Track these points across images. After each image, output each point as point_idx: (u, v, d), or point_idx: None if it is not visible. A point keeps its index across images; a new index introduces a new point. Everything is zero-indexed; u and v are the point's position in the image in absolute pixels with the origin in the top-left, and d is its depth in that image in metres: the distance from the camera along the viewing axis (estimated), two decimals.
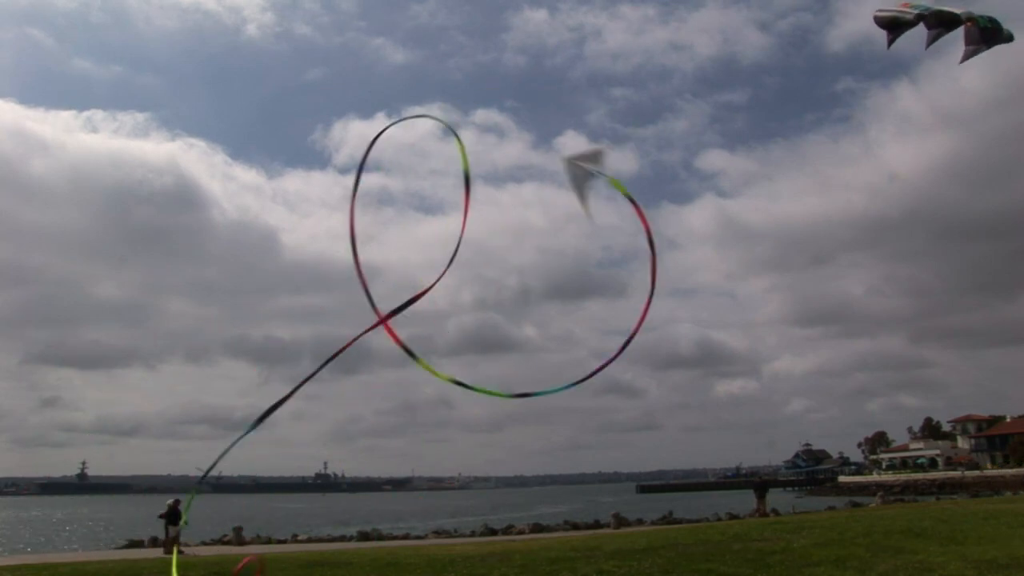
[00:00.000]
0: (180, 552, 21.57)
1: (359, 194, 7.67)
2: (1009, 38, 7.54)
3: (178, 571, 12.46)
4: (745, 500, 50.76)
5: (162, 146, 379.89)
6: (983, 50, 7.49)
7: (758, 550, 14.17)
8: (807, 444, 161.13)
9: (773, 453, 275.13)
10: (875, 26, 7.99)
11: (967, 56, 7.54)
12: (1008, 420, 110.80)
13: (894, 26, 7.88)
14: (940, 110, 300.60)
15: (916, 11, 7.65)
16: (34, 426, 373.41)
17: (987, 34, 7.41)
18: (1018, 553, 11.97)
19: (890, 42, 7.93)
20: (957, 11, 7.53)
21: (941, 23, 7.55)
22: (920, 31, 7.76)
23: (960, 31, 7.52)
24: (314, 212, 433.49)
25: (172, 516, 23.18)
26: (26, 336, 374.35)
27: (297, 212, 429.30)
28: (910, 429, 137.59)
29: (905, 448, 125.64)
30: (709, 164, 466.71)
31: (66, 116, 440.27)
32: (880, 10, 8.08)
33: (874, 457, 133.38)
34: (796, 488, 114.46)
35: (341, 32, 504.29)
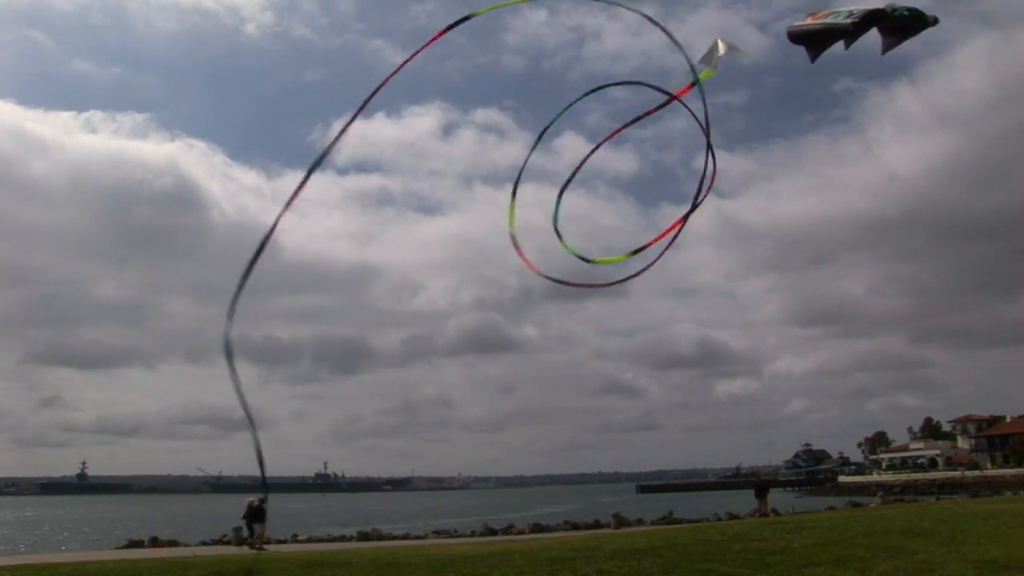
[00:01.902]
0: (262, 549, 22.33)
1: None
2: (934, 22, 7.43)
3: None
4: (745, 500, 50.74)
5: (162, 147, 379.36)
6: (908, 38, 7.39)
7: (758, 550, 14.17)
8: (807, 444, 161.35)
9: (773, 453, 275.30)
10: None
11: (888, 47, 7.44)
12: (1008, 420, 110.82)
13: (818, 39, 7.66)
14: (939, 110, 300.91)
15: (841, 18, 7.44)
16: (34, 426, 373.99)
17: (905, 22, 7.29)
18: (1018, 553, 11.97)
19: (814, 57, 7.70)
20: (881, 5, 7.37)
21: (865, 25, 7.41)
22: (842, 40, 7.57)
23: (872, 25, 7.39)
24: (313, 212, 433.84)
25: (257, 515, 23.71)
26: (26, 336, 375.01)
27: (297, 212, 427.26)
28: (910, 429, 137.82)
29: (905, 448, 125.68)
30: None
31: (65, 117, 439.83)
32: (796, 25, 7.83)
33: (874, 457, 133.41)
34: (796, 488, 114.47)
35: (340, 34, 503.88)
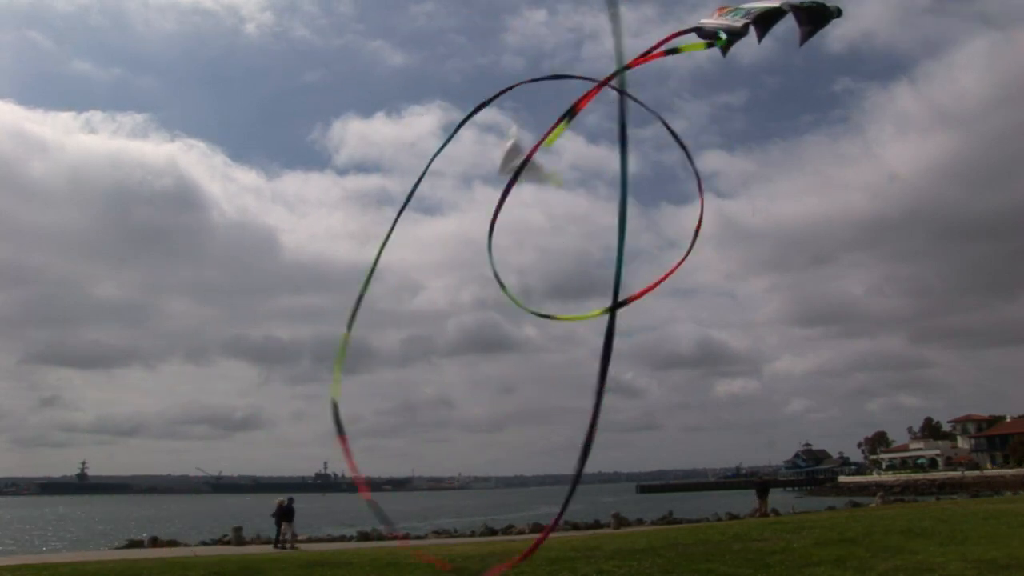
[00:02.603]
0: (294, 547, 22.67)
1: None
2: (838, 13, 7.48)
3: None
4: (745, 500, 50.74)
5: (162, 147, 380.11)
6: (817, 30, 7.44)
7: (758, 550, 14.17)
8: (807, 444, 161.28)
9: (773, 453, 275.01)
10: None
11: (805, 38, 7.51)
12: (1008, 420, 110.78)
13: (725, 37, 7.65)
14: (939, 110, 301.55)
15: (739, 16, 7.45)
16: (34, 426, 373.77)
17: (813, 15, 7.33)
18: (1018, 553, 11.97)
19: (724, 52, 7.69)
20: (776, 3, 7.39)
21: (767, 21, 7.43)
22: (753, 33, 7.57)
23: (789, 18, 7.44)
24: (312, 212, 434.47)
25: (286, 513, 24.06)
26: (26, 336, 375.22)
27: (296, 213, 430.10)
28: (910, 429, 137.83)
29: (905, 448, 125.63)
30: (708, 165, 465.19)
31: (65, 117, 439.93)
32: (704, 21, 7.81)
33: (874, 457, 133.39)
34: (796, 488, 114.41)
35: (340, 34, 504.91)
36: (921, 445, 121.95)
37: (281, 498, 25.44)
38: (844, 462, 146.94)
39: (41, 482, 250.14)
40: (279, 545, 23.99)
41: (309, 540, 30.29)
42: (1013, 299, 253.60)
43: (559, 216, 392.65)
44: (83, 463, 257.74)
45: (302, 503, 30.02)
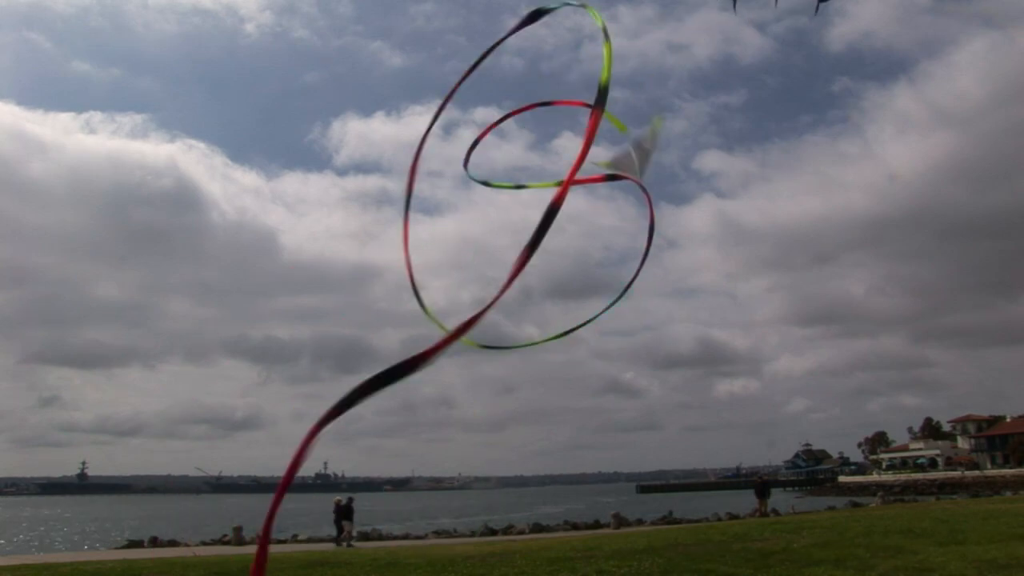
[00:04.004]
0: (350, 546, 22.95)
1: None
2: None
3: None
4: (745, 500, 50.73)
5: (161, 147, 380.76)
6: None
7: (758, 550, 14.17)
8: (807, 444, 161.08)
9: (773, 453, 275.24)
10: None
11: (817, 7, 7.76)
12: (1008, 420, 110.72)
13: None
14: (939, 110, 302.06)
15: None
16: (34, 426, 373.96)
17: None
18: (1018, 553, 11.96)
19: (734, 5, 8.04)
20: None
21: None
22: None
23: None
24: (312, 213, 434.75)
25: (345, 512, 24.39)
26: (26, 336, 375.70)
27: (296, 213, 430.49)
28: (910, 429, 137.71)
29: (905, 448, 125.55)
30: (707, 165, 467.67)
31: (65, 118, 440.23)
32: None
33: (874, 457, 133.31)
34: (796, 488, 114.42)
35: (339, 35, 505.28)
36: (921, 445, 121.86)
37: (339, 497, 25.77)
38: (844, 462, 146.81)
39: (41, 482, 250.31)
40: (340, 543, 24.26)
41: (309, 540, 30.31)
42: (1014, 299, 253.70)
43: (559, 216, 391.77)
44: (83, 463, 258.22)
45: (302, 503, 30.08)
